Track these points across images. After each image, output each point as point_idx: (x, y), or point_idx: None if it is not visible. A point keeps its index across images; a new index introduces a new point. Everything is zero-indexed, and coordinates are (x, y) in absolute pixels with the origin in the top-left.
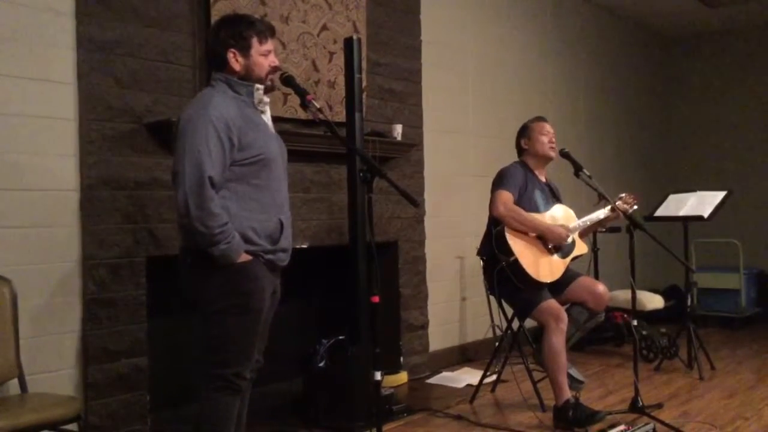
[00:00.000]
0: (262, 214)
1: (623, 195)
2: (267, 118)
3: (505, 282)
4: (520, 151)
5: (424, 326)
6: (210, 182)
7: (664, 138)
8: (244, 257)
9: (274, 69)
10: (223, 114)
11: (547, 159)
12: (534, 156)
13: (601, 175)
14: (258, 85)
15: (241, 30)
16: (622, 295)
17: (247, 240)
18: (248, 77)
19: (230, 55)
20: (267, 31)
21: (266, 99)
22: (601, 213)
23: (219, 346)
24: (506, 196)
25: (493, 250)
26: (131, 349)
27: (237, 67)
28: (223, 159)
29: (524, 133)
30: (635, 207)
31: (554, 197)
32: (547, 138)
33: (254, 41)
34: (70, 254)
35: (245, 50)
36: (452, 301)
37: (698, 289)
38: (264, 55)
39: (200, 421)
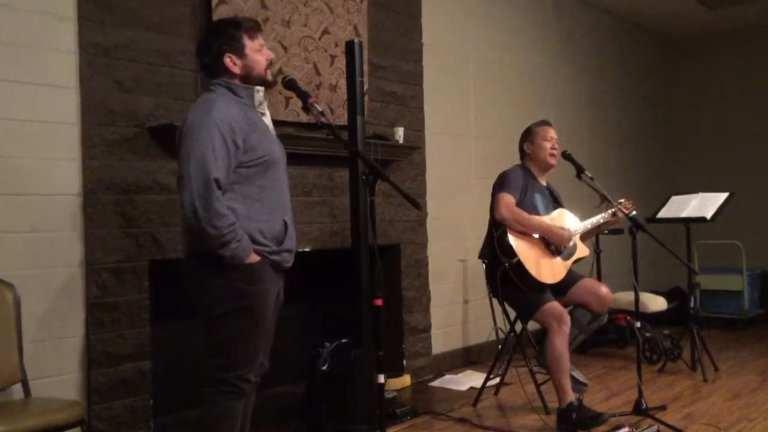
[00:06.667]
0: (267, 215)
1: (622, 200)
2: (267, 120)
3: (507, 284)
4: (523, 154)
5: (427, 329)
6: (216, 184)
7: (665, 139)
8: (253, 257)
9: (270, 62)
10: (227, 117)
11: (547, 166)
12: (535, 161)
13: (603, 177)
14: (258, 87)
15: (231, 32)
16: (625, 297)
17: (254, 241)
18: (248, 77)
19: (227, 60)
20: (254, 27)
21: (265, 102)
22: (602, 217)
23: (223, 349)
24: (508, 199)
25: (495, 253)
26: (134, 353)
27: (236, 69)
28: (228, 161)
29: (528, 136)
30: (633, 213)
31: (555, 201)
32: (549, 144)
33: (246, 39)
34: (73, 258)
35: (240, 51)
36: (455, 304)
37: (701, 291)
38: (258, 50)
39: (203, 425)
